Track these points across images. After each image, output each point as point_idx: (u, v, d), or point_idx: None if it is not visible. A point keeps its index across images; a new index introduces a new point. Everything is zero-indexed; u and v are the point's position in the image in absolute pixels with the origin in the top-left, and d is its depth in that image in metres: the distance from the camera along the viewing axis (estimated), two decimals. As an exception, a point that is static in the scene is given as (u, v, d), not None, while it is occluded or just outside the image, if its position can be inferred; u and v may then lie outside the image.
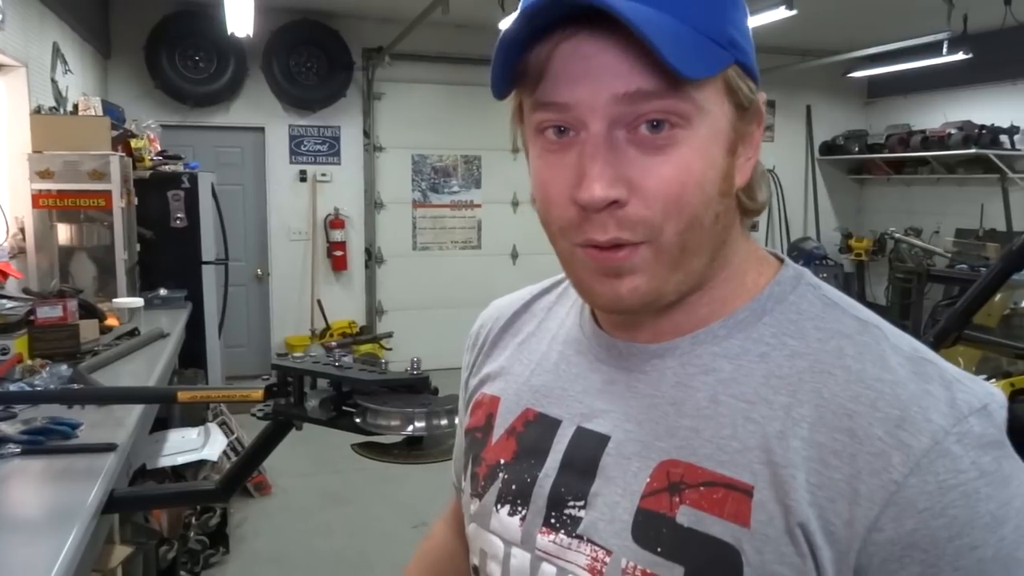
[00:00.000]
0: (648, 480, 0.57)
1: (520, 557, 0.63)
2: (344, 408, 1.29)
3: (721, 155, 0.56)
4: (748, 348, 0.58)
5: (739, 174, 0.58)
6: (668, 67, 0.49)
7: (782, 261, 0.64)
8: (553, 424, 0.65)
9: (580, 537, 0.59)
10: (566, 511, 0.61)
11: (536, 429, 0.66)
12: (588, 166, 0.53)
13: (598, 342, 0.65)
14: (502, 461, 0.67)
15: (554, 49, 0.53)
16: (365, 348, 5.96)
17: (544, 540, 0.61)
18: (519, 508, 0.64)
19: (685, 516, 0.55)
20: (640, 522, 0.56)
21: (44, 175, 3.27)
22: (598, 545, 0.58)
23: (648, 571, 0.55)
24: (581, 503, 0.60)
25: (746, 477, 0.53)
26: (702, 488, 0.55)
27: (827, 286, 0.62)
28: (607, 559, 0.57)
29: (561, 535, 0.60)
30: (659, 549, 0.55)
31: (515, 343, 0.74)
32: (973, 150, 5.98)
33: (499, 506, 0.66)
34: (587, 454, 0.61)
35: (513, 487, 0.65)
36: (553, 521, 0.61)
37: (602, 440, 0.61)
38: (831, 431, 0.52)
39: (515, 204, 6.75)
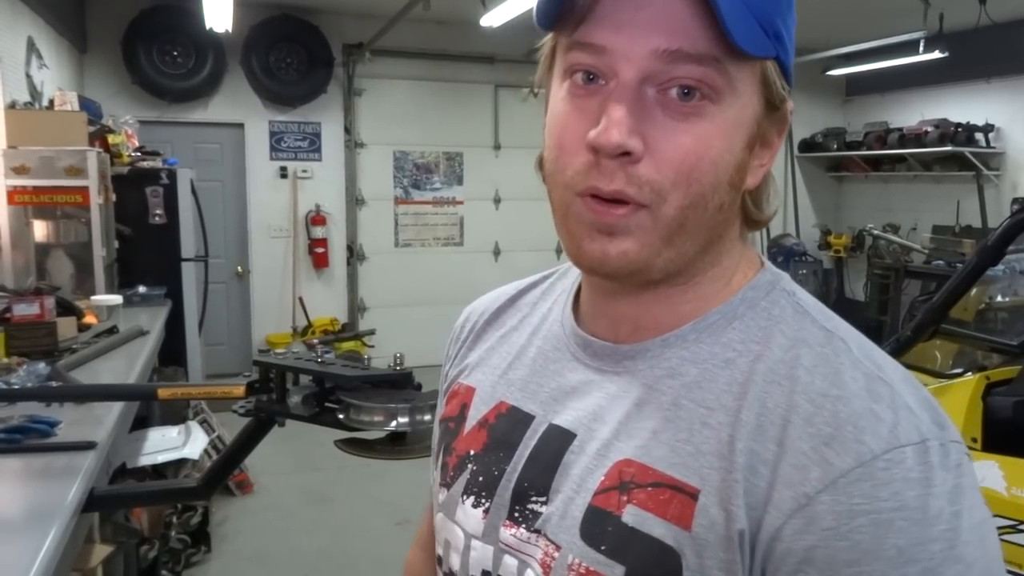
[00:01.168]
0: (602, 479, 0.57)
1: (480, 550, 0.63)
2: (327, 404, 1.29)
3: (740, 145, 0.55)
4: (715, 353, 0.57)
5: (751, 176, 0.58)
6: (726, 32, 0.49)
7: (763, 263, 0.63)
8: (525, 419, 0.65)
9: (538, 531, 0.60)
10: (528, 505, 0.61)
11: (508, 422, 0.66)
12: (611, 109, 0.52)
13: (576, 340, 0.65)
14: (472, 452, 0.67)
15: None
16: (347, 345, 5.95)
17: (507, 533, 0.62)
18: (483, 500, 0.64)
19: (631, 516, 0.54)
20: (588, 519, 0.56)
21: (19, 171, 3.23)
22: (550, 540, 0.58)
23: (591, 569, 0.55)
24: (543, 498, 0.60)
25: (694, 480, 0.53)
26: (650, 488, 0.54)
27: (803, 293, 0.61)
28: (556, 554, 0.57)
29: (522, 529, 0.61)
30: (603, 547, 0.55)
31: (497, 336, 0.74)
32: (949, 148, 6.06)
33: (465, 497, 0.66)
34: (552, 450, 0.61)
35: (480, 479, 0.65)
36: (516, 515, 0.62)
37: (568, 437, 0.61)
38: (764, 440, 0.52)
39: (497, 201, 6.75)
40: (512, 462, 0.63)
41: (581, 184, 0.54)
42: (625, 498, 0.55)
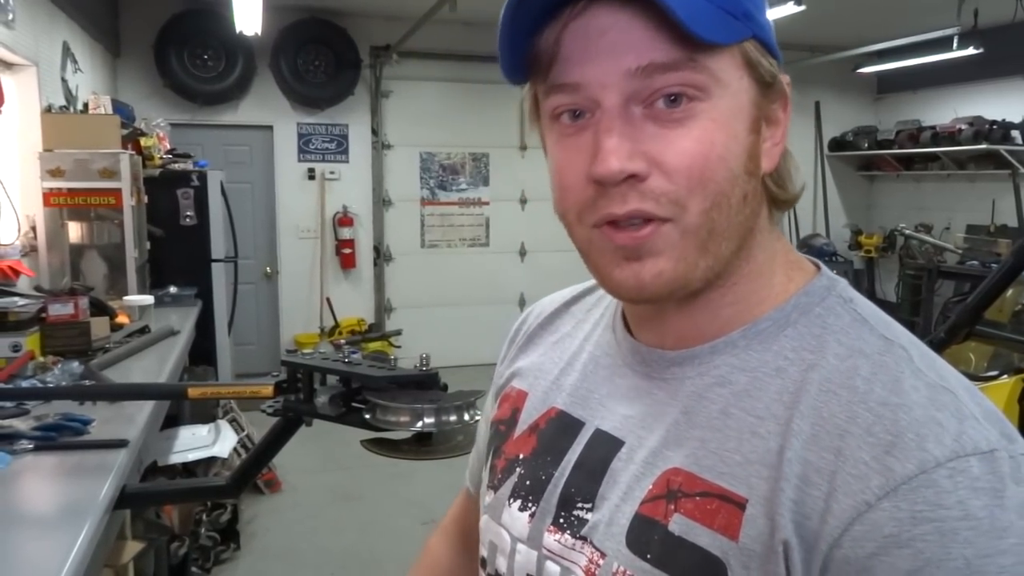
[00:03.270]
0: (650, 487, 0.56)
1: (525, 554, 0.63)
2: (354, 404, 1.30)
3: (744, 131, 0.54)
4: (766, 360, 0.56)
5: (766, 158, 0.57)
6: (685, 30, 0.48)
7: (819, 269, 0.61)
8: (575, 425, 0.65)
9: (584, 538, 0.59)
10: (574, 512, 0.61)
11: (557, 428, 0.66)
12: (603, 140, 0.52)
13: (627, 347, 0.65)
14: (521, 456, 0.67)
15: (563, 30, 0.52)
16: (374, 346, 5.98)
17: (550, 539, 0.61)
18: (530, 505, 0.64)
19: (677, 525, 0.54)
20: (635, 527, 0.56)
21: (55, 173, 3.29)
22: (596, 547, 0.58)
23: None
24: (589, 505, 0.60)
25: (742, 490, 0.52)
26: (697, 498, 0.54)
27: (862, 300, 0.58)
28: (601, 562, 0.57)
29: (567, 535, 0.60)
30: (649, 556, 0.55)
31: (551, 341, 0.74)
32: (984, 146, 5.94)
33: (512, 500, 0.66)
34: (600, 457, 0.61)
35: (528, 483, 0.65)
36: (561, 521, 0.61)
37: (616, 444, 0.61)
38: (820, 450, 0.50)
39: (523, 201, 6.75)
40: (560, 467, 0.63)
41: (594, 216, 0.54)
42: (672, 507, 0.55)
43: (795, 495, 0.50)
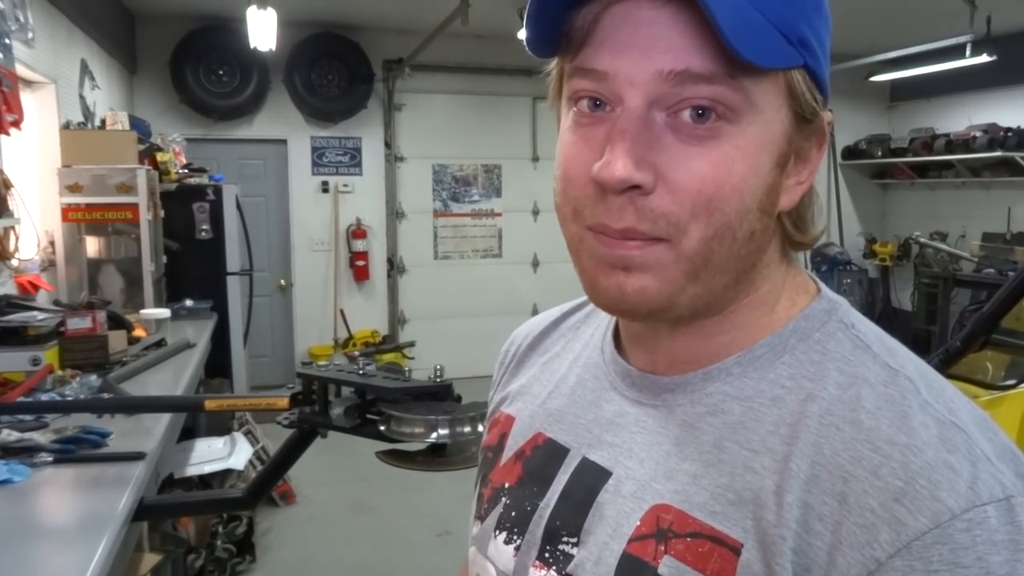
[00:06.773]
0: (638, 524, 0.53)
1: None
2: (368, 416, 1.31)
3: (768, 165, 0.50)
4: (762, 389, 0.53)
5: (786, 195, 0.53)
6: (727, 45, 0.44)
7: (819, 290, 0.58)
8: (560, 452, 0.62)
9: None
10: (560, 546, 0.58)
11: (543, 455, 0.63)
12: (615, 142, 0.48)
13: (615, 369, 0.61)
14: (506, 485, 0.64)
15: (603, 11, 0.48)
16: (388, 357, 5.99)
17: (537, 575, 0.58)
18: (515, 537, 0.61)
19: (667, 568, 0.50)
20: (623, 567, 0.52)
21: (73, 189, 3.34)
22: None
23: None
24: (574, 539, 0.57)
25: (736, 533, 0.49)
26: (688, 539, 0.50)
27: (866, 324, 0.55)
28: None
29: (552, 572, 0.57)
30: None
31: (540, 363, 0.71)
32: (999, 153, 5.90)
33: (497, 532, 0.63)
34: (586, 488, 0.58)
35: (513, 514, 0.62)
36: (547, 556, 0.58)
37: (603, 475, 0.57)
38: (822, 493, 0.47)
39: (535, 212, 6.76)
40: (545, 498, 0.60)
41: (590, 219, 0.51)
42: (662, 548, 0.51)
43: (795, 543, 0.46)
